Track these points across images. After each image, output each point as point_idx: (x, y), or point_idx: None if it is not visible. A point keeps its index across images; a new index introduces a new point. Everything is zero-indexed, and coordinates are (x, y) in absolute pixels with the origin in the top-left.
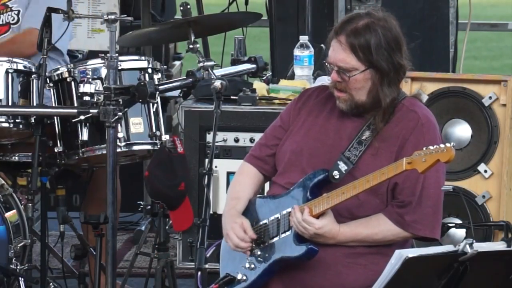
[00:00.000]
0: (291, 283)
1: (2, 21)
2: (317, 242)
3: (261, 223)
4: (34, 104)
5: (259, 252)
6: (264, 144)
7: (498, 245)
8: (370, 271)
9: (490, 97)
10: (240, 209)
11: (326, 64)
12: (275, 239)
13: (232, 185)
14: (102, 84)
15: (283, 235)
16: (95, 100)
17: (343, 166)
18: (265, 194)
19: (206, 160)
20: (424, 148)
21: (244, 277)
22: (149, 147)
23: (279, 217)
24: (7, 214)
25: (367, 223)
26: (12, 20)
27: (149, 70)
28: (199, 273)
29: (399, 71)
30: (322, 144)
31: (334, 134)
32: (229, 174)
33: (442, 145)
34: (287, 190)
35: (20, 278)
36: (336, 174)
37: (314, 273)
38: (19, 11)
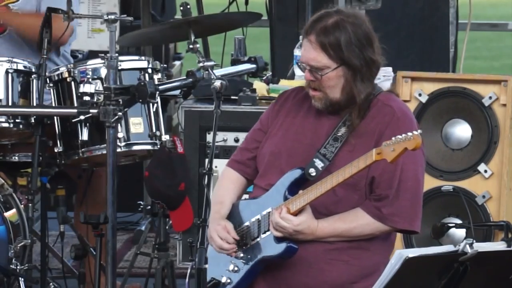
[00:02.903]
0: (274, 282)
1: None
2: (296, 239)
3: (243, 225)
4: (34, 104)
5: (241, 254)
6: (245, 148)
7: (498, 245)
8: (352, 266)
9: (490, 97)
10: (224, 213)
11: (299, 64)
12: (257, 240)
13: (215, 190)
14: (102, 84)
15: (264, 235)
16: (95, 100)
17: (319, 163)
18: (248, 196)
19: (206, 160)
20: (393, 138)
21: (229, 280)
22: (149, 147)
23: (260, 218)
24: (7, 214)
25: (345, 217)
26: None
27: (149, 70)
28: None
29: (371, 66)
30: (300, 143)
31: (312, 133)
32: None
33: (409, 133)
34: (267, 191)
35: (20, 278)
36: (312, 171)
37: (296, 271)
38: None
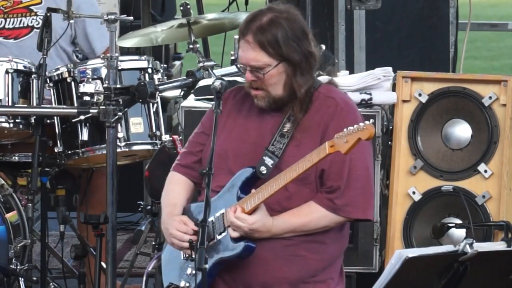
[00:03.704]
0: (233, 283)
1: (24, 24)
2: (253, 238)
3: (197, 228)
4: (34, 104)
5: None
6: (189, 152)
7: (498, 245)
8: (310, 260)
9: (490, 97)
10: (178, 213)
11: (238, 66)
12: (213, 241)
13: (164, 195)
14: (102, 84)
15: (219, 236)
16: (95, 100)
17: (269, 161)
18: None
19: None
20: (345, 129)
21: (187, 284)
22: (149, 147)
23: (214, 220)
24: (7, 215)
25: (299, 212)
26: (37, 24)
27: (149, 70)
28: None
29: (309, 59)
30: (245, 143)
31: (256, 131)
32: None
33: (361, 124)
34: (217, 193)
35: (20, 278)
36: (263, 169)
37: (255, 270)
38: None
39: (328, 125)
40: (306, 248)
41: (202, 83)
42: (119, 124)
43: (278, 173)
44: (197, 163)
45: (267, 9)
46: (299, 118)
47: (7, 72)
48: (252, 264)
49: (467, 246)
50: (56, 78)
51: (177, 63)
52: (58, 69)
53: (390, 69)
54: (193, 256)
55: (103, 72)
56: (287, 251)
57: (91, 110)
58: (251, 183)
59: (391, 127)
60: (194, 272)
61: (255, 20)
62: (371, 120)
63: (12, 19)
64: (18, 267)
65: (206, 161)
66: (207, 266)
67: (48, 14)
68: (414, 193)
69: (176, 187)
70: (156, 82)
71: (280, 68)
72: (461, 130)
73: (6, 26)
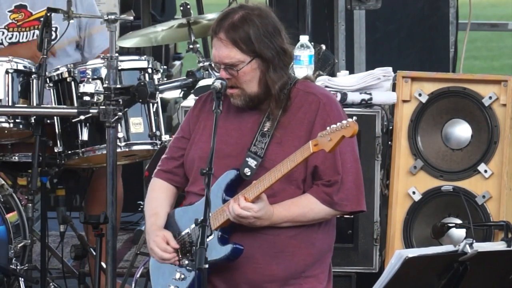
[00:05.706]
0: (221, 283)
1: (36, 36)
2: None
3: (183, 233)
4: (34, 104)
5: (186, 262)
6: (170, 157)
7: (498, 245)
8: (299, 256)
9: (490, 97)
10: (160, 224)
11: (213, 64)
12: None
13: (147, 203)
14: (102, 84)
15: (207, 239)
16: (95, 100)
17: (252, 162)
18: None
19: None
20: (328, 128)
21: None
22: (149, 147)
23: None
24: (7, 215)
25: (298, 202)
26: (49, 36)
27: (149, 70)
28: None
29: (282, 55)
30: (226, 144)
31: (236, 131)
32: None
33: (344, 121)
34: (203, 197)
35: (20, 278)
36: (247, 171)
37: (243, 269)
38: (56, 28)
39: (314, 121)
40: (293, 244)
41: (202, 83)
42: (119, 124)
43: (262, 172)
44: (179, 168)
45: (238, 7)
46: (277, 115)
47: (7, 72)
48: (240, 263)
49: (467, 246)
50: (56, 78)
51: (177, 63)
52: (58, 69)
53: (390, 69)
54: (184, 262)
55: (103, 72)
56: (275, 248)
57: (91, 110)
58: (236, 185)
59: (391, 127)
60: (182, 276)
61: (227, 18)
62: (354, 118)
63: (25, 33)
64: (18, 267)
65: (188, 165)
66: (207, 266)
67: (48, 14)
68: (414, 193)
69: (158, 195)
70: (156, 82)
71: (254, 65)
72: (461, 130)
73: (21, 40)
